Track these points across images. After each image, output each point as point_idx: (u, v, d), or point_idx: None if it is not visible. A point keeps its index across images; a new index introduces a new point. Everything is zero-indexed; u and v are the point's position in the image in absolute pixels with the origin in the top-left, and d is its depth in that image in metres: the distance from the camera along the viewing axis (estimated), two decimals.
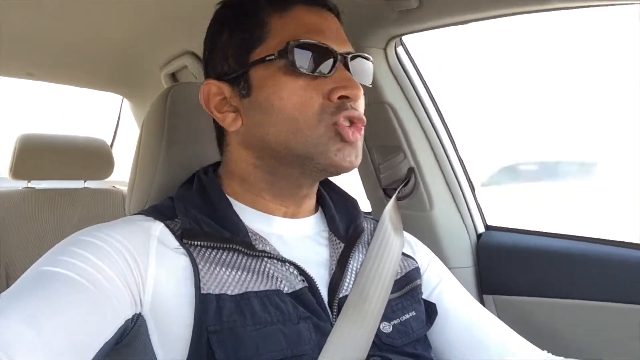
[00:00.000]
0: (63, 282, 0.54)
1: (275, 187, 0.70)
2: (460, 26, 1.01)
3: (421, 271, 0.80)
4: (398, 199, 1.22)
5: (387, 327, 0.68)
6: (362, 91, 0.66)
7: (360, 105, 0.68)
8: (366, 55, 0.71)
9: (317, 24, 0.67)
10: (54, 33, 1.47)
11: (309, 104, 0.63)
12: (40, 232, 1.68)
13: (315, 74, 0.64)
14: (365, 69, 0.70)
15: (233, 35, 0.68)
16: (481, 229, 1.30)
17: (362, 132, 0.67)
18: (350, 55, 0.67)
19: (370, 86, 0.72)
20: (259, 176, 0.69)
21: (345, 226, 0.75)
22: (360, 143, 0.67)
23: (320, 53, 0.64)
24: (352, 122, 0.65)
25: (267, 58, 0.65)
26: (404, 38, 1.18)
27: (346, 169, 0.66)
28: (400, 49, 1.20)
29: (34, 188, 1.75)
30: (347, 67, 0.66)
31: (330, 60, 0.65)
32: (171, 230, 0.64)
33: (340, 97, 0.64)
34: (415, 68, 1.22)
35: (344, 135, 0.64)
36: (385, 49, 1.18)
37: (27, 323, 0.49)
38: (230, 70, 0.68)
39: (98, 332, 0.54)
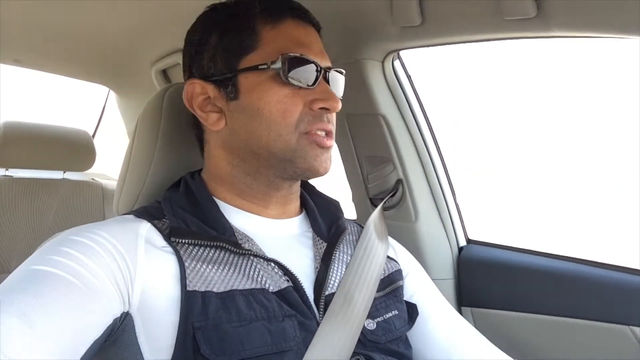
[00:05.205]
0: (54, 281, 0.54)
1: (253, 189, 0.73)
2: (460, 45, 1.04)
3: (403, 274, 0.83)
4: (385, 209, 1.24)
5: (371, 324, 0.71)
6: (340, 104, 0.71)
7: (333, 116, 0.74)
8: (341, 70, 0.77)
9: (304, 39, 0.72)
10: (45, 20, 1.43)
11: (292, 111, 0.68)
12: (16, 222, 1.62)
13: (302, 85, 0.69)
14: (339, 82, 0.76)
15: (223, 38, 0.71)
16: (463, 242, 1.33)
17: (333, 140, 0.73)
18: (331, 70, 0.73)
19: (341, 98, 0.76)
20: (237, 176, 0.72)
21: (328, 226, 0.78)
22: (331, 151, 0.73)
23: (307, 66, 0.69)
24: (326, 133, 0.71)
25: (260, 67, 0.68)
26: (401, 52, 1.20)
27: (321, 174, 0.72)
28: (397, 63, 1.22)
29: (11, 176, 1.70)
30: (326, 80, 0.71)
31: (315, 74, 0.70)
32: (158, 229, 0.65)
33: (320, 108, 0.70)
34: (410, 82, 1.24)
35: (319, 142, 0.70)
36: (382, 62, 1.20)
37: (20, 321, 0.49)
38: (217, 73, 0.71)
39: (88, 331, 0.54)
